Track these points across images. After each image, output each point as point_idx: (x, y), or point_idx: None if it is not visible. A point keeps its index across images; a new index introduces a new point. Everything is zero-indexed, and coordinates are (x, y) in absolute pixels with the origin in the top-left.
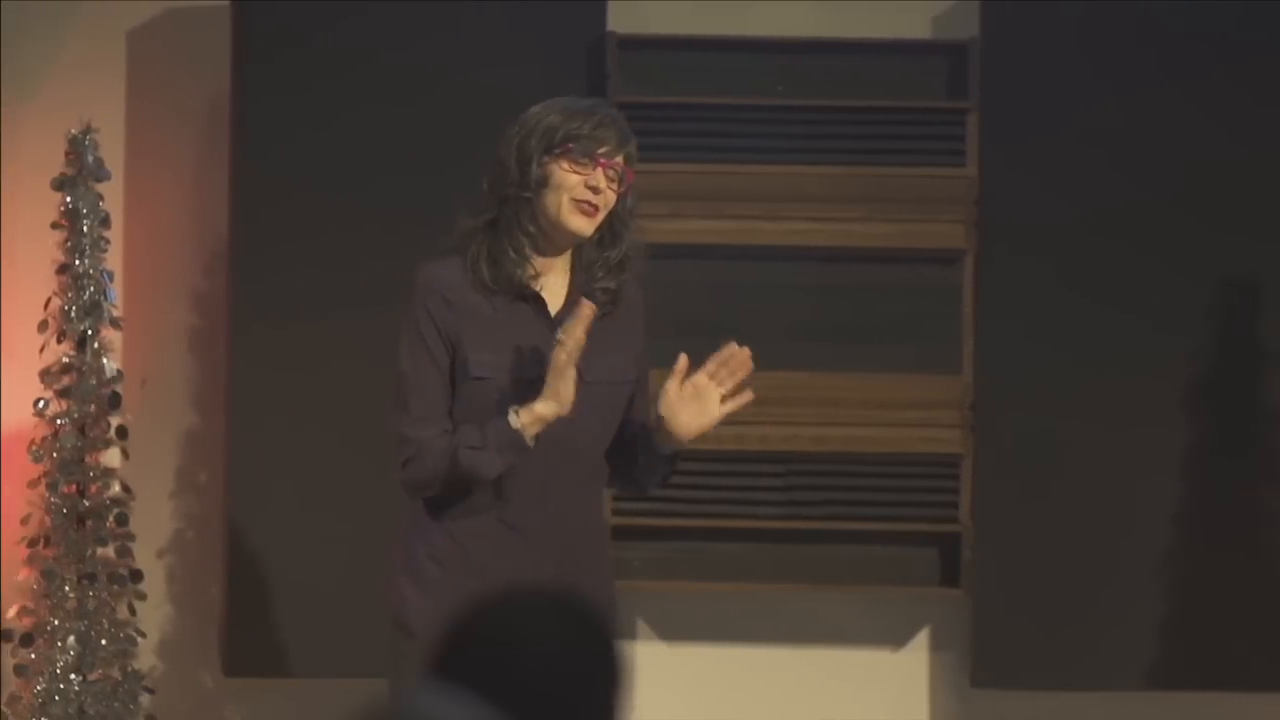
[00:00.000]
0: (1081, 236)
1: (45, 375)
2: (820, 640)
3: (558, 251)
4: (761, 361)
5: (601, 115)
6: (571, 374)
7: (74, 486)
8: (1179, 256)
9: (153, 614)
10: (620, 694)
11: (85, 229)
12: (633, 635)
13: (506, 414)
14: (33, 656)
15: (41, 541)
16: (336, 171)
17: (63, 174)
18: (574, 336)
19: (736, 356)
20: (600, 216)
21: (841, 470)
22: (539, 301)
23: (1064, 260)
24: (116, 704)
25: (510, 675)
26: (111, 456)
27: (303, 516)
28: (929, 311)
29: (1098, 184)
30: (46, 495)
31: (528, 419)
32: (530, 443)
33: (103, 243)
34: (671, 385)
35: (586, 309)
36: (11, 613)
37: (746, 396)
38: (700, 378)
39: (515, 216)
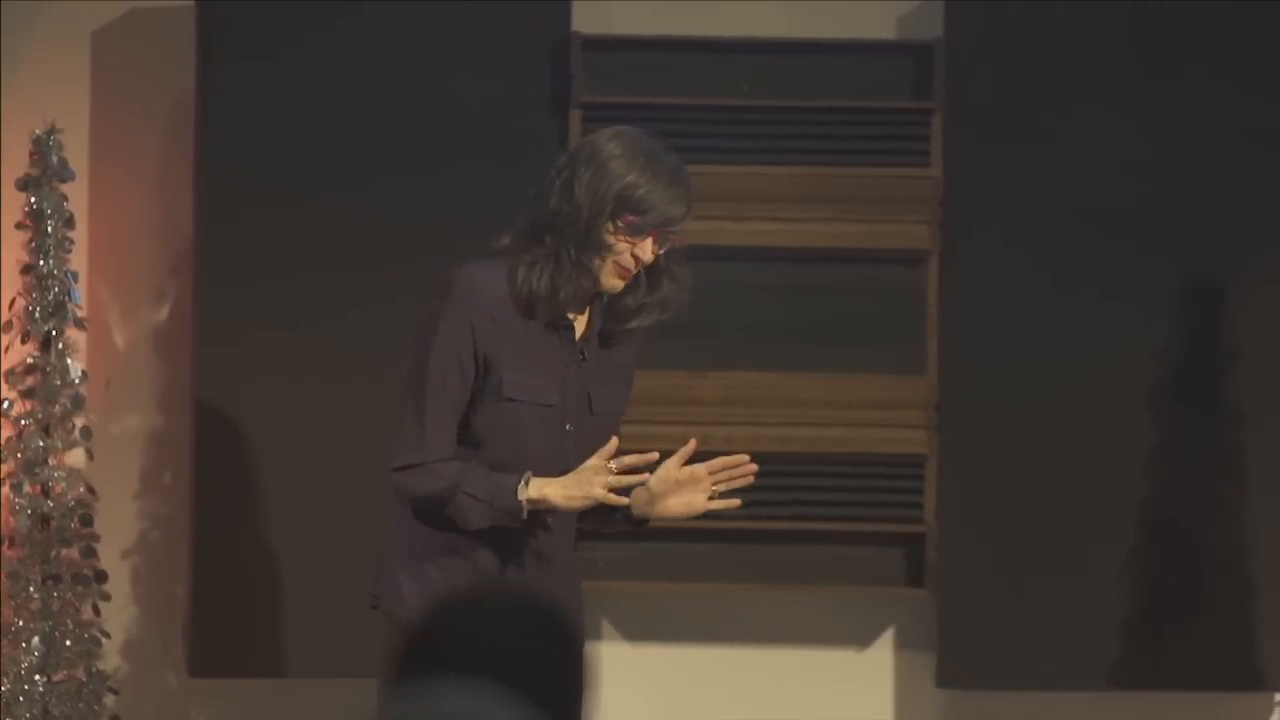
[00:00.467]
0: (1046, 236)
1: (9, 376)
2: (785, 640)
3: (590, 296)
4: (727, 362)
5: (679, 188)
6: (599, 492)
7: (38, 487)
8: (1143, 256)
9: (117, 615)
10: (584, 693)
11: (50, 229)
12: (598, 636)
13: (514, 480)
14: None
15: (5, 542)
16: (301, 172)
17: (27, 174)
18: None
19: (744, 467)
20: (634, 274)
21: (807, 470)
22: (570, 331)
23: (1028, 260)
24: (81, 705)
25: (476, 672)
26: (76, 457)
27: (268, 517)
28: (894, 312)
29: (1062, 184)
30: (10, 496)
31: (535, 495)
32: (525, 518)
33: (67, 243)
34: (672, 464)
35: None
36: None
37: (733, 503)
38: (700, 470)
39: (576, 255)
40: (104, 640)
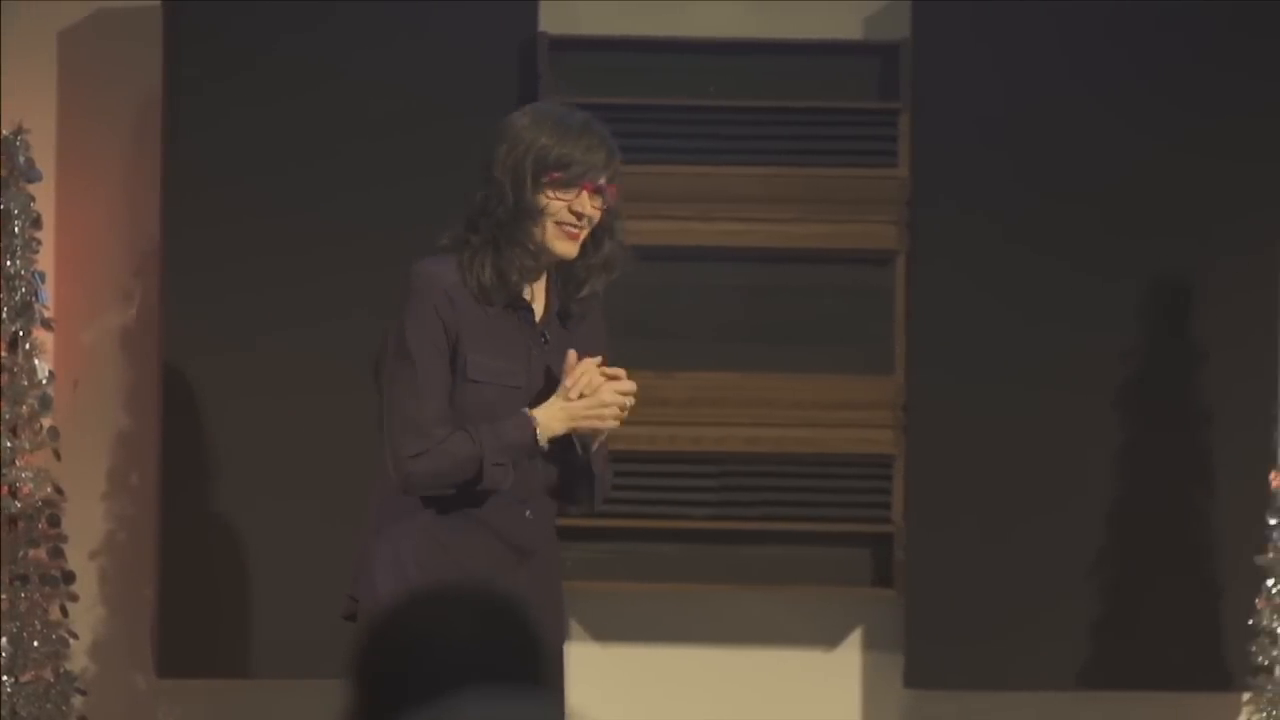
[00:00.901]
0: (1013, 237)
1: None
2: (753, 640)
3: (546, 265)
4: (694, 362)
5: (591, 137)
6: (609, 397)
7: (5, 488)
8: (1111, 257)
9: (85, 615)
10: (549, 690)
11: (16, 230)
12: (566, 635)
13: (522, 425)
14: None
15: None
16: (268, 173)
17: None
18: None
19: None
20: (584, 235)
21: (775, 471)
22: (529, 311)
23: (996, 261)
24: (49, 705)
25: (436, 669)
26: (43, 458)
27: (235, 517)
28: (861, 312)
29: (1029, 184)
30: None
31: (547, 434)
32: (544, 450)
33: (34, 244)
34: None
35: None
36: None
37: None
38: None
39: (514, 234)
40: (71, 641)
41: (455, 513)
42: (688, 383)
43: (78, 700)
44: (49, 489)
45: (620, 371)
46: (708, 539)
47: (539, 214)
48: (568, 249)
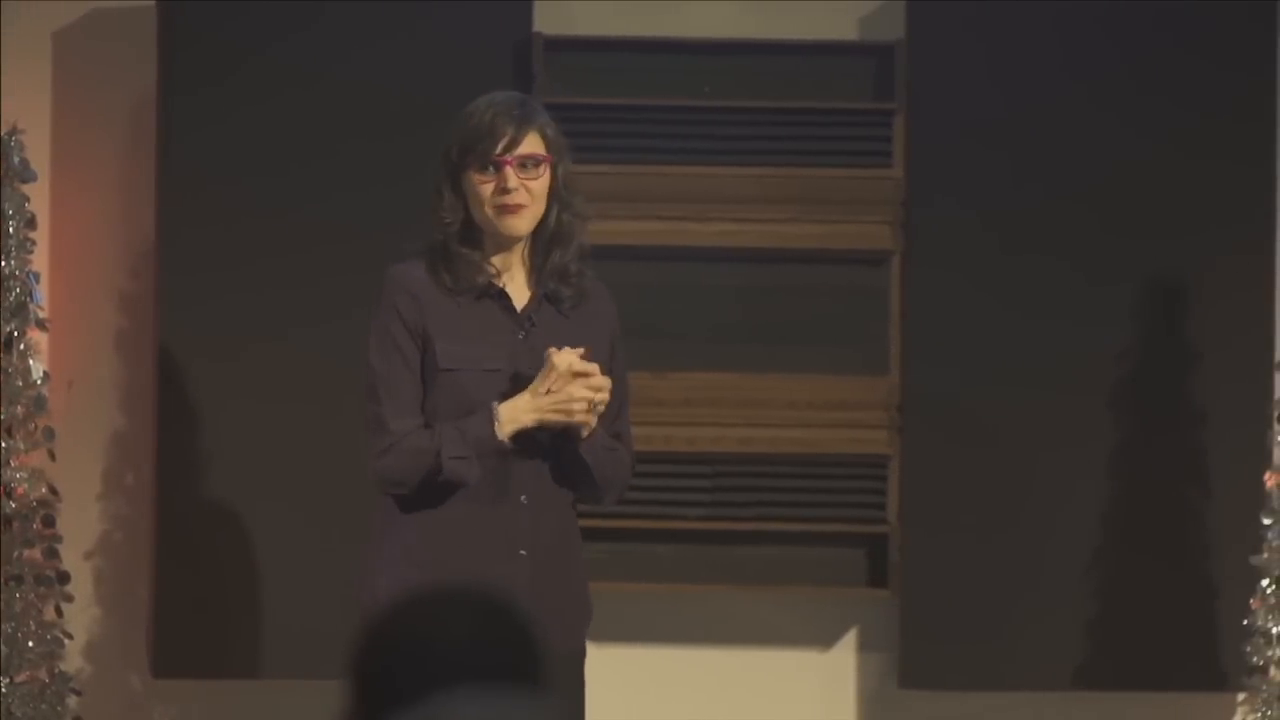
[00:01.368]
0: (1008, 237)
1: None
2: (747, 641)
3: (511, 248)
4: (689, 362)
5: (494, 112)
6: (579, 392)
7: (0, 489)
8: (1106, 257)
9: (80, 616)
10: (543, 691)
11: (11, 230)
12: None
13: (484, 419)
14: None
15: None
16: (263, 172)
17: None
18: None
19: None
20: (531, 209)
21: (769, 471)
22: (504, 297)
23: (991, 261)
24: (44, 706)
25: (428, 670)
26: (38, 458)
27: (231, 518)
28: (856, 312)
29: (1024, 185)
30: None
31: (510, 428)
32: (509, 445)
33: (29, 244)
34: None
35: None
36: None
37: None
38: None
39: (464, 226)
40: (66, 641)
41: (450, 511)
42: (682, 383)
43: (73, 700)
44: (44, 489)
45: (592, 367)
46: (702, 539)
47: (477, 201)
48: (511, 225)
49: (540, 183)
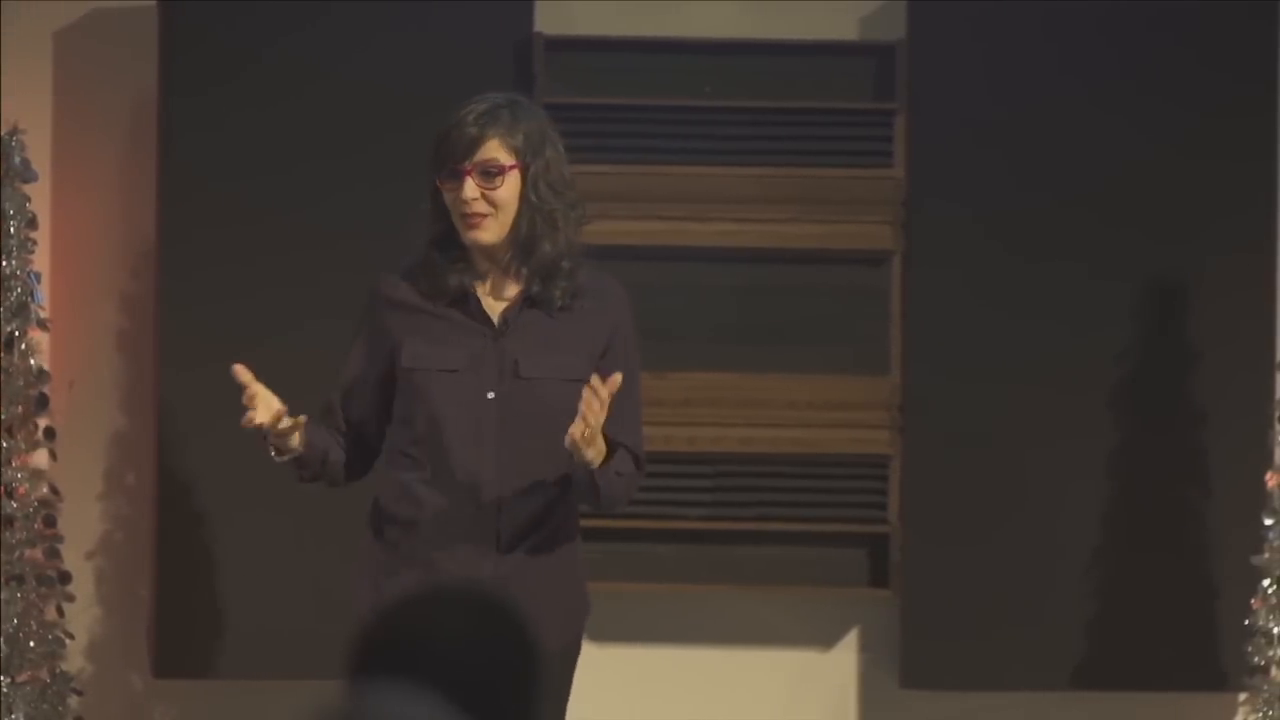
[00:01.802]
0: (1008, 237)
1: None
2: (749, 641)
3: (492, 253)
4: (689, 362)
5: (456, 120)
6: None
7: (1, 488)
8: (1106, 257)
9: (81, 616)
10: (533, 688)
11: (12, 230)
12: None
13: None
14: None
15: None
16: (263, 172)
17: None
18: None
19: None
20: (495, 219)
21: (770, 471)
22: (476, 301)
23: (991, 261)
24: (45, 706)
25: (419, 671)
26: (39, 458)
27: (232, 518)
28: (857, 312)
29: (1025, 185)
30: None
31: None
32: (281, 459)
33: (29, 244)
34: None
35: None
36: None
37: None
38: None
39: (447, 233)
40: (68, 641)
41: (413, 508)
42: (683, 383)
43: (74, 700)
44: (45, 489)
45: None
46: (703, 539)
47: (450, 210)
48: (476, 236)
49: (504, 191)
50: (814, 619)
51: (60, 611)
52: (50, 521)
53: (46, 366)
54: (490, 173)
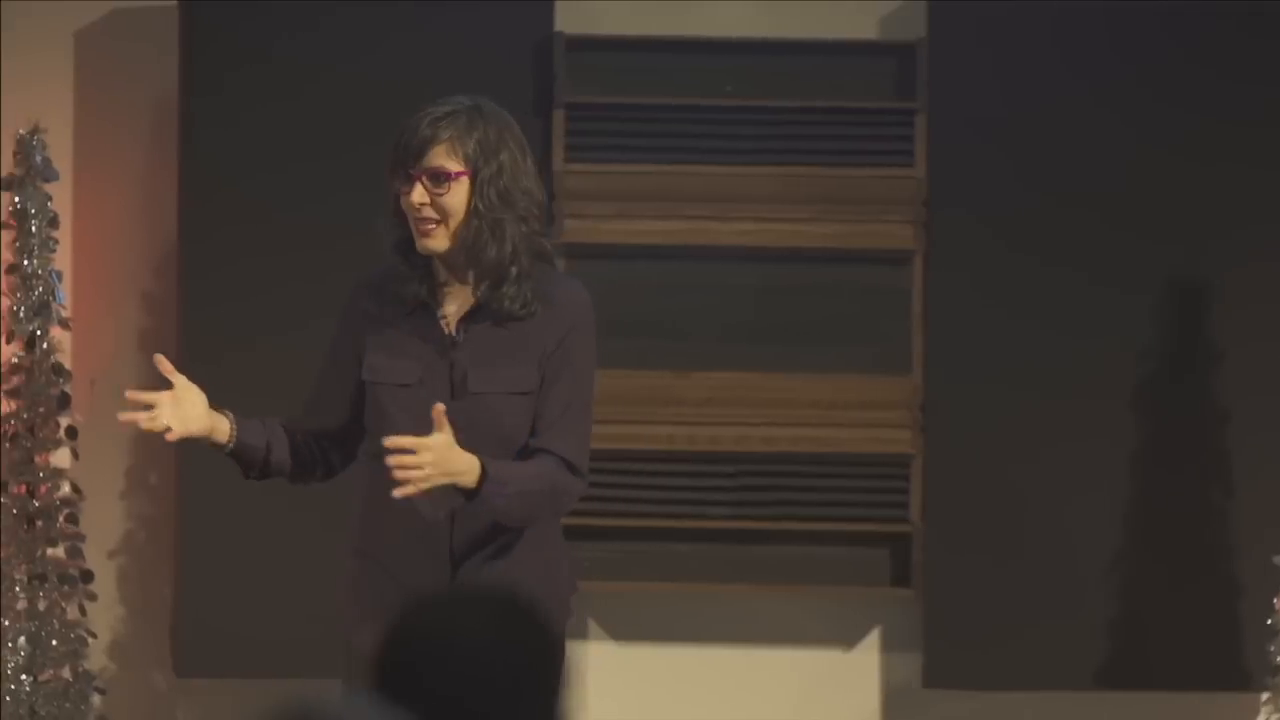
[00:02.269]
0: (1029, 237)
1: None
2: (771, 640)
3: (451, 261)
4: (711, 362)
5: (405, 125)
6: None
7: (24, 487)
8: (1128, 257)
9: (104, 614)
10: (544, 686)
11: (34, 229)
12: (584, 635)
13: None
14: None
15: None
16: (284, 171)
17: (11, 174)
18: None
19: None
20: (444, 226)
21: (792, 470)
22: (434, 311)
23: (1012, 261)
24: (67, 705)
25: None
26: (61, 457)
27: (254, 517)
28: (878, 312)
29: (1045, 184)
30: None
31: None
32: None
33: (51, 243)
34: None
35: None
36: None
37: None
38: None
39: (409, 239)
40: (90, 640)
41: (374, 524)
42: (704, 382)
43: (96, 699)
44: (67, 488)
45: (418, 442)
46: (725, 539)
47: (403, 215)
48: (426, 244)
49: (452, 198)
50: (836, 618)
51: (82, 610)
52: (73, 520)
53: (68, 365)
54: (439, 178)
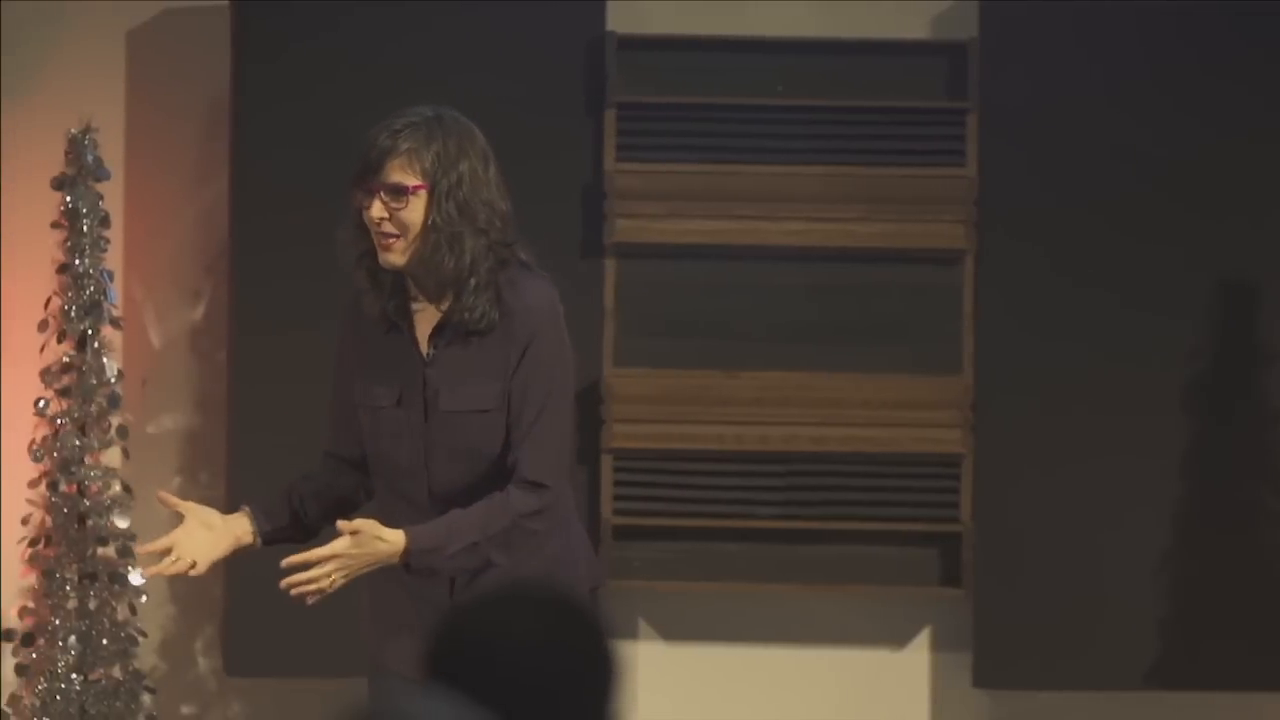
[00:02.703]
0: (1081, 235)
1: (45, 375)
2: (821, 640)
3: (414, 276)
4: (761, 361)
5: (370, 142)
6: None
7: (74, 486)
8: (1178, 255)
9: (154, 613)
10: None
11: (85, 228)
12: (633, 635)
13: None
14: (34, 656)
15: (42, 541)
16: (336, 171)
17: (62, 173)
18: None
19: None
20: (403, 240)
21: (842, 470)
22: (409, 329)
23: (1063, 259)
24: (118, 704)
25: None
26: (112, 456)
27: None
28: (929, 311)
29: (1097, 183)
30: (47, 495)
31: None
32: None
33: (103, 242)
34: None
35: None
36: (12, 613)
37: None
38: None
39: (372, 251)
40: (140, 639)
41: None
42: (754, 382)
43: (146, 698)
44: (117, 487)
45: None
46: (775, 539)
47: (365, 230)
48: (384, 259)
49: (410, 213)
50: (886, 618)
51: (133, 609)
52: (123, 519)
53: (119, 364)
54: (397, 193)
